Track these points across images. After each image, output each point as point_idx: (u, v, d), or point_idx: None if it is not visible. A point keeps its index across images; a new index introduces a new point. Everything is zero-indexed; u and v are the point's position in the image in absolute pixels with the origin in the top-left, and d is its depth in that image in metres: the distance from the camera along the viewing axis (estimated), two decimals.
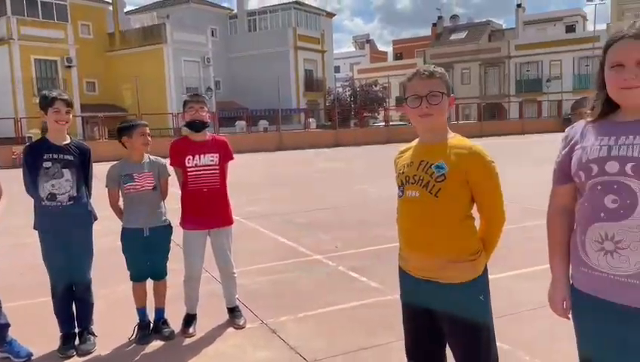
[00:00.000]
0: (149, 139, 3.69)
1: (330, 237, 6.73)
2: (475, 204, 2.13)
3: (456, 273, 2.08)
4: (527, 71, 48.68)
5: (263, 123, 35.77)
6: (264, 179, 13.68)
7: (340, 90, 44.38)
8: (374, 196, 10.19)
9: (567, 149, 1.80)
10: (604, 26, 44.77)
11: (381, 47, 76.59)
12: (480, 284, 2.12)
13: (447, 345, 2.24)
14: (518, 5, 53.42)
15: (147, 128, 3.70)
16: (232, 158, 3.91)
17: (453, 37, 55.76)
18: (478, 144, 2.11)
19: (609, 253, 1.62)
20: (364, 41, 72.02)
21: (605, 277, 1.64)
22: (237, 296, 4.05)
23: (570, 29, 51.75)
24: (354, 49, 73.66)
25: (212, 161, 3.76)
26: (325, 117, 42.27)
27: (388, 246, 6.10)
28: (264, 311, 4.17)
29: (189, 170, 3.74)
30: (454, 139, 2.13)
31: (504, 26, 59.86)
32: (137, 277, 3.72)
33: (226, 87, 42.52)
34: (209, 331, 3.83)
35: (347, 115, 39.72)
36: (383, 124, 36.57)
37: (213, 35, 42.28)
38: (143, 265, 3.70)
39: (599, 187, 1.64)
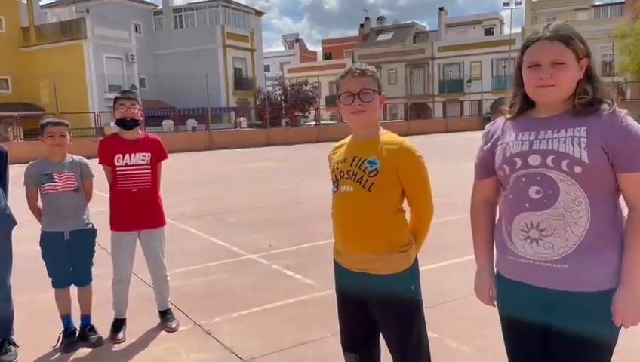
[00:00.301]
0: (65, 139, 3.46)
1: (264, 236, 6.71)
2: (405, 198, 2.21)
3: (388, 264, 2.15)
4: (450, 72, 50.69)
5: (191, 122, 34.96)
6: (194, 180, 13.40)
7: (271, 89, 44.17)
8: (306, 194, 10.25)
9: (489, 145, 1.90)
10: (519, 30, 47.40)
11: (310, 47, 76.99)
12: (411, 274, 2.20)
13: (380, 335, 2.32)
14: (441, 8, 55.55)
15: (63, 128, 3.47)
16: (166, 158, 3.81)
17: (380, 38, 57.08)
18: (407, 140, 2.19)
19: (534, 241, 1.72)
20: (293, 41, 72.15)
21: (531, 264, 1.74)
22: (169, 299, 3.95)
23: (488, 32, 54.43)
24: (283, 48, 73.65)
25: (143, 160, 3.65)
26: (256, 116, 41.96)
27: (322, 243, 6.17)
28: (197, 312, 4.10)
29: (118, 169, 3.61)
30: (385, 135, 2.21)
31: (428, 28, 61.97)
32: (59, 284, 3.54)
33: (152, 85, 41.17)
34: (140, 336, 3.71)
35: (278, 114, 39.66)
36: (314, 123, 36.81)
37: (137, 31, 40.88)
38: (64, 271, 3.52)
39: (523, 179, 1.74)
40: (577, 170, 1.65)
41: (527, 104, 1.84)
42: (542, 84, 1.72)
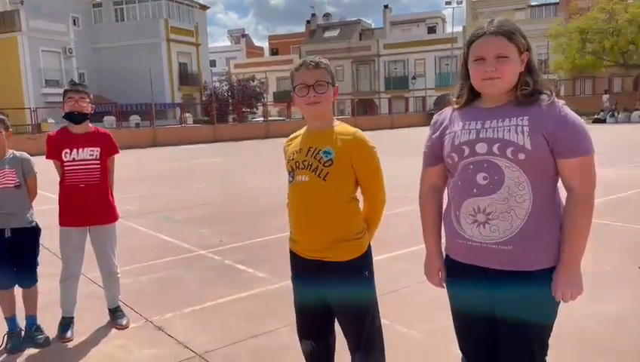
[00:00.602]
0: (1, 135, 3.34)
1: (214, 231, 6.66)
2: (358, 187, 2.27)
3: (343, 251, 2.21)
4: (395, 69, 51.60)
5: (134, 118, 33.98)
6: (138, 177, 13.06)
7: (217, 84, 43.53)
8: (256, 190, 10.23)
9: (437, 134, 1.99)
10: (461, 28, 48.82)
11: (257, 43, 76.51)
12: (365, 261, 2.27)
13: (335, 321, 2.37)
14: (385, 6, 56.36)
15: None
16: (117, 152, 3.73)
17: (327, 34, 57.37)
18: (360, 131, 2.25)
19: (481, 225, 1.82)
20: (239, 36, 71.38)
21: (478, 246, 1.84)
22: (119, 296, 3.88)
23: (431, 30, 55.72)
24: (229, 43, 72.71)
25: (92, 155, 3.56)
26: (202, 112, 41.28)
27: (273, 237, 6.20)
28: (148, 309, 4.04)
29: (65, 164, 3.51)
30: (339, 126, 2.27)
31: (373, 26, 62.80)
32: (1, 285, 3.40)
33: (92, 80, 39.61)
34: (89, 334, 3.62)
35: (225, 110, 39.10)
36: (262, 119, 36.60)
37: (75, 24, 39.24)
38: (6, 271, 3.38)
39: (471, 166, 1.84)
40: (521, 156, 1.75)
41: (473, 95, 1.94)
42: (487, 77, 1.81)
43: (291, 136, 2.43)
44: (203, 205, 8.73)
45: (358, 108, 42.40)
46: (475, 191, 1.82)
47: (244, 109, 39.84)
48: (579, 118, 1.82)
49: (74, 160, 3.50)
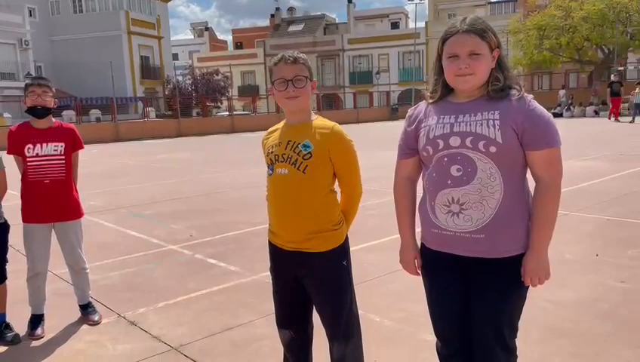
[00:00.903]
0: None
1: (183, 226, 6.62)
2: (336, 180, 2.33)
3: (322, 242, 2.27)
4: (359, 64, 51.91)
5: (94, 113, 33.19)
6: (102, 172, 12.79)
7: (180, 78, 42.85)
8: (224, 184, 10.18)
9: (412, 127, 2.07)
10: (423, 24, 49.47)
11: (220, 36, 75.57)
12: (343, 251, 2.34)
13: (313, 310, 2.43)
14: (349, 1, 56.59)
15: None
16: (81, 147, 3.69)
17: (291, 29, 57.22)
18: (337, 125, 2.31)
19: (455, 214, 1.91)
20: (202, 29, 70.41)
21: (452, 235, 1.93)
22: (90, 292, 3.84)
23: (394, 25, 56.30)
24: (192, 36, 71.61)
25: (56, 150, 3.51)
26: (165, 106, 40.59)
27: (244, 231, 6.23)
28: (120, 305, 4.02)
29: (28, 159, 3.45)
30: (317, 120, 2.32)
31: (337, 20, 62.96)
32: None
33: (50, 73, 38.34)
34: (60, 331, 3.59)
35: (189, 105, 38.60)
36: (227, 113, 36.24)
37: (31, 15, 38.03)
38: None
39: (445, 159, 1.92)
40: (492, 149, 1.84)
41: (447, 90, 2.02)
42: (460, 73, 1.89)
43: (270, 129, 2.46)
44: (171, 200, 8.65)
45: (324, 103, 42.47)
46: (449, 182, 1.90)
47: (208, 103, 39.39)
48: (546, 111, 1.91)
49: (37, 155, 3.45)
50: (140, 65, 42.39)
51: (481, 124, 1.87)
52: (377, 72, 49.52)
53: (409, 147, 2.09)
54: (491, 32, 1.92)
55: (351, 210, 2.40)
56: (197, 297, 4.16)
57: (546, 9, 37.03)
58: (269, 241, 2.43)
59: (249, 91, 50.64)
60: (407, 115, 2.15)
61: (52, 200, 3.49)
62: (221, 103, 43.15)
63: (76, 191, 3.69)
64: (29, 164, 3.46)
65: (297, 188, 2.23)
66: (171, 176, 11.95)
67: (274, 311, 2.49)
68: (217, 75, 43.03)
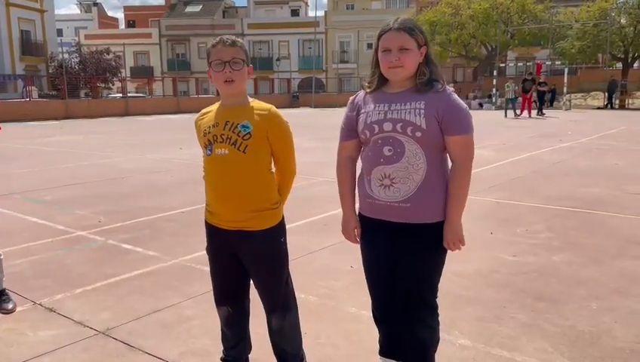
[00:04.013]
0: None
1: (90, 212, 6.36)
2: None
3: (262, 220, 2.40)
4: (260, 49, 51.50)
5: None
6: None
7: (67, 56, 39.86)
8: (127, 169, 9.83)
9: (354, 113, 2.32)
10: (322, 13, 50.21)
11: (110, 13, 71.17)
12: (280, 229, 2.49)
13: (249, 286, 2.56)
14: None
15: None
16: None
17: (189, 9, 55.34)
18: (274, 107, 2.44)
19: (387, 187, 2.20)
20: (90, 4, 65.76)
21: (384, 204, 2.22)
22: (4, 279, 3.65)
23: (295, 12, 56.49)
24: (79, 12, 66.73)
25: None
26: (49, 86, 37.62)
27: (158, 216, 6.14)
28: (34, 292, 3.86)
29: None
30: (254, 102, 2.42)
31: (236, 4, 61.94)
32: None
33: None
34: None
35: (76, 85, 36.06)
36: (120, 95, 34.42)
37: None
38: None
39: (379, 141, 2.19)
40: (418, 134, 2.14)
41: (382, 81, 2.28)
42: (392, 65, 2.17)
43: (203, 111, 2.51)
44: (72, 185, 8.20)
45: None
46: (381, 160, 2.19)
47: (98, 84, 37.14)
48: (463, 103, 2.24)
49: None
50: (19, 40, 38.85)
51: (410, 113, 2.15)
52: (278, 59, 49.56)
53: (351, 130, 2.33)
54: (418, 31, 2.20)
55: (285, 188, 2.54)
56: (117, 282, 4.10)
57: (437, 5, 39.22)
58: (206, 221, 2.51)
59: (143, 73, 48.39)
60: (348, 102, 2.40)
61: None
62: (112, 84, 40.85)
63: None
64: None
65: (237, 168, 2.33)
66: (68, 160, 11.28)
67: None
68: (108, 54, 40.58)
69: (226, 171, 2.35)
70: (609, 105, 31.50)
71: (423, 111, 2.14)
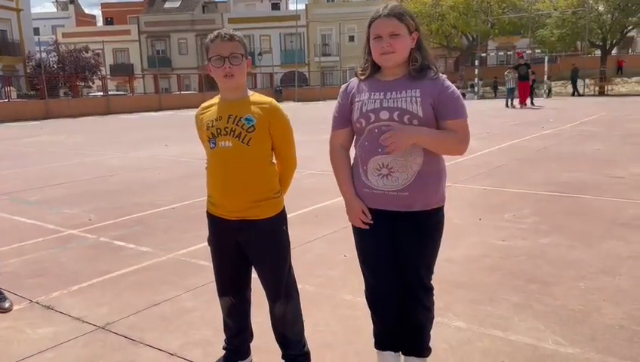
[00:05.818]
0: None
1: (79, 211, 6.33)
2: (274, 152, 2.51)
3: (264, 210, 2.44)
4: None
5: None
6: None
7: (44, 55, 39.22)
8: (114, 167, 9.77)
9: (347, 100, 2.34)
10: (303, 7, 50.04)
11: (88, 10, 70.08)
12: (282, 217, 2.53)
13: (250, 276, 2.60)
14: None
15: None
16: None
17: (168, 5, 54.79)
18: (274, 100, 2.48)
19: (385, 176, 2.22)
20: (66, 2, 64.75)
21: (382, 193, 2.25)
22: None
23: (275, 6, 56.22)
24: (55, 10, 65.65)
25: None
26: (28, 85, 37.02)
27: (148, 212, 6.14)
28: (30, 291, 3.85)
29: None
30: (254, 96, 2.47)
31: None
32: None
33: None
34: None
35: (55, 84, 35.52)
36: (101, 93, 34.01)
37: None
38: None
39: (376, 130, 2.21)
40: (415, 122, 2.17)
41: (375, 69, 2.31)
42: (384, 51, 2.19)
43: (203, 105, 2.55)
44: (59, 185, 8.14)
45: (206, 83, 41.48)
46: (379, 150, 2.20)
47: (78, 83, 36.63)
48: (457, 89, 2.28)
49: None
50: None
51: (406, 101, 2.18)
52: (260, 53, 49.32)
53: (344, 118, 2.35)
54: (409, 16, 2.23)
55: (287, 180, 2.59)
56: (112, 278, 4.10)
57: None
58: (209, 213, 2.54)
59: (123, 70, 47.82)
60: (340, 91, 2.42)
61: None
62: (92, 83, 40.32)
63: None
64: None
65: (241, 159, 2.37)
66: (53, 159, 11.17)
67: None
68: (87, 52, 40.00)
69: (230, 163, 2.38)
70: (575, 93, 31.52)
71: (419, 99, 2.17)
